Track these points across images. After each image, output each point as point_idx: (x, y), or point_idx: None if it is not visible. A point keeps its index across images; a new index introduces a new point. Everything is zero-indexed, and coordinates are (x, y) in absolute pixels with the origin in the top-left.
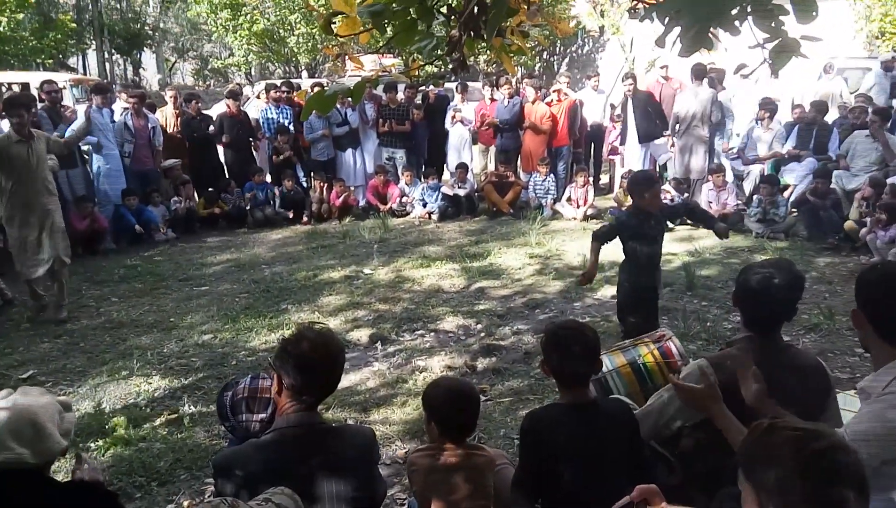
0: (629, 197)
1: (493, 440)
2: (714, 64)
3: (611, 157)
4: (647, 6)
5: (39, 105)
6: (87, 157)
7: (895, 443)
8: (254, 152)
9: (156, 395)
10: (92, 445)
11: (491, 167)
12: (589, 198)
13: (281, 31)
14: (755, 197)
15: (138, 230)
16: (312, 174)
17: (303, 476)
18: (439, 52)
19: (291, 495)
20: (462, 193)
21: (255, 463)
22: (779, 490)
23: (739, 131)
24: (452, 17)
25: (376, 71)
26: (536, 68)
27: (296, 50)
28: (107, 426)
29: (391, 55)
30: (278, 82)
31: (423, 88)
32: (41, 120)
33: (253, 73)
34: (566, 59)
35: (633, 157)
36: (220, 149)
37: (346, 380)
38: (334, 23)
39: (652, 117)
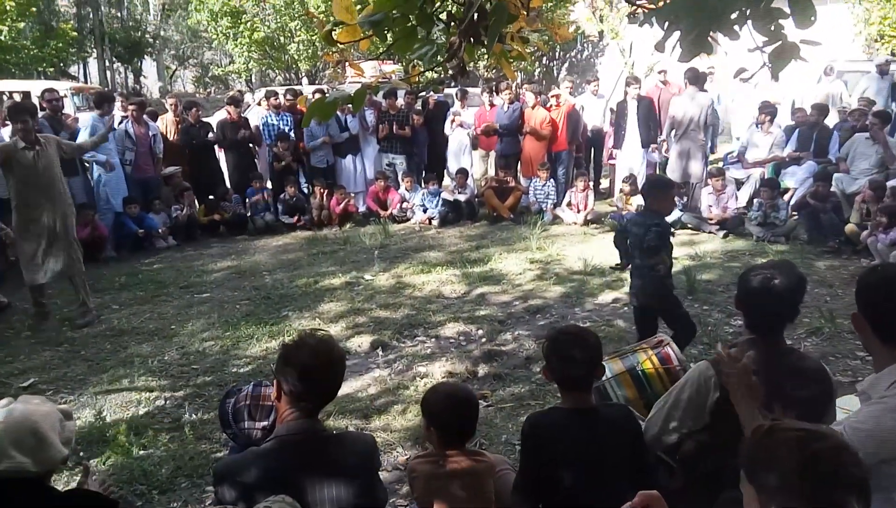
0: (643, 199)
1: (494, 446)
2: (713, 68)
3: (611, 162)
4: (646, 11)
5: (40, 113)
6: (87, 165)
7: (892, 444)
8: (255, 159)
9: (157, 403)
10: (93, 456)
11: (491, 173)
12: (589, 203)
13: (281, 38)
14: (756, 200)
15: (140, 235)
16: (313, 181)
17: (303, 484)
18: (439, 58)
19: (292, 503)
20: (462, 198)
21: (255, 471)
22: (780, 491)
23: (739, 135)
24: (452, 24)
25: (377, 77)
26: (536, 73)
27: (296, 57)
28: (107, 435)
29: (391, 61)
30: (279, 89)
31: (423, 94)
32: (42, 128)
33: (253, 80)
34: (566, 65)
35: (633, 160)
36: (221, 156)
37: (347, 387)
38: (335, 31)
39: (652, 122)
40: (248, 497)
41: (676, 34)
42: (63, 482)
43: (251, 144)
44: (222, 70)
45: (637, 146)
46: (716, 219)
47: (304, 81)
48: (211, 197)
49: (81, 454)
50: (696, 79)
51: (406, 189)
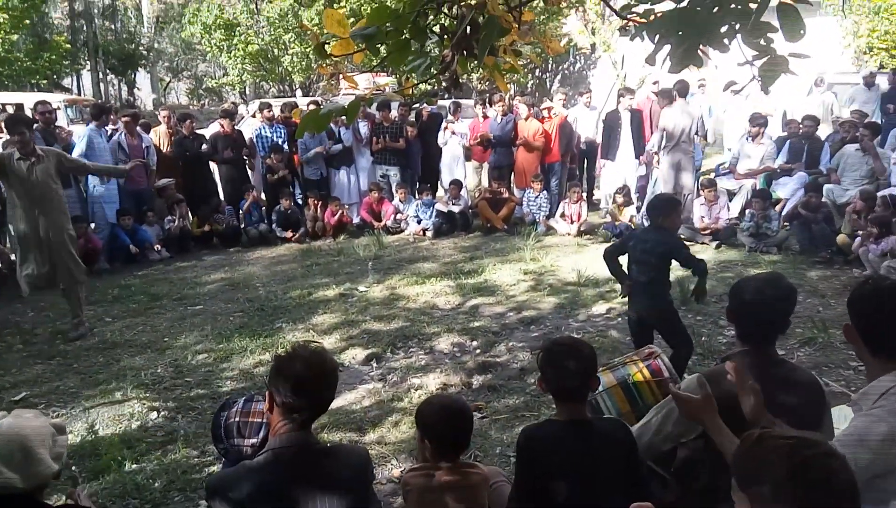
0: (650, 217)
1: (489, 458)
2: (704, 81)
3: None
4: (637, 24)
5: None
6: (80, 177)
7: (884, 455)
8: (248, 171)
9: (149, 416)
10: (86, 470)
11: (485, 184)
12: (582, 214)
13: (275, 50)
14: (748, 211)
15: (133, 250)
16: (307, 193)
17: (297, 498)
18: (432, 70)
19: None
20: (456, 209)
21: (248, 485)
22: (772, 499)
23: (731, 146)
24: (445, 37)
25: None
26: (529, 86)
27: (290, 69)
28: (100, 449)
29: (385, 74)
30: (273, 101)
31: (416, 106)
32: (36, 141)
33: (247, 92)
34: (558, 77)
35: (626, 171)
36: (214, 168)
37: (341, 399)
38: (328, 43)
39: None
40: None
41: (667, 47)
42: (56, 497)
43: (245, 158)
44: (216, 82)
45: (630, 157)
46: (708, 230)
47: (299, 92)
48: (204, 208)
49: (74, 468)
50: (680, 90)
51: (400, 201)
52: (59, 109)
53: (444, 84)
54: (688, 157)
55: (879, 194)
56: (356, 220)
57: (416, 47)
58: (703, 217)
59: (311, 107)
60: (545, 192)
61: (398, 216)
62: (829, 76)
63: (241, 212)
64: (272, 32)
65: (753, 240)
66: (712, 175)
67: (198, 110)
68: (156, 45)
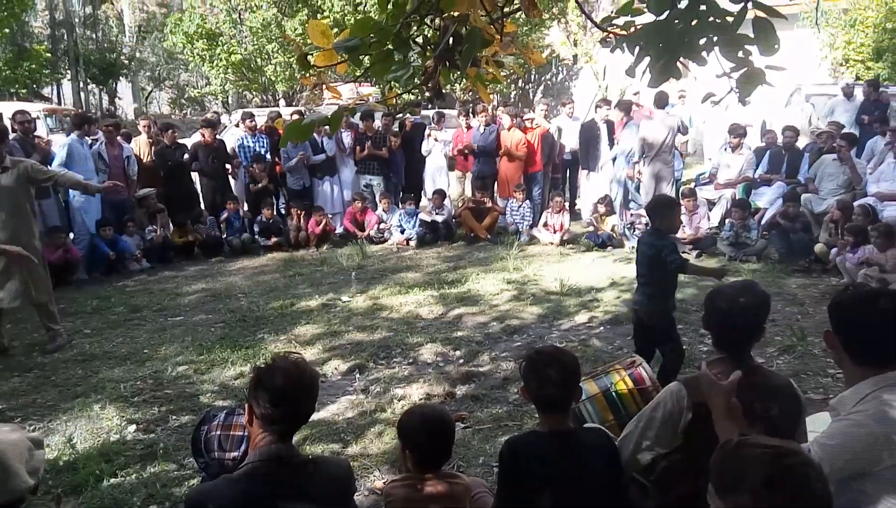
0: (650, 219)
1: (471, 468)
2: (685, 92)
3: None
4: (618, 37)
5: (11, 135)
6: (60, 187)
7: (860, 459)
8: (230, 181)
9: (128, 429)
10: (63, 485)
11: (468, 193)
12: (565, 223)
13: (258, 60)
14: (727, 221)
15: (112, 257)
16: (290, 203)
17: None
18: (415, 81)
19: None
20: (440, 219)
21: (228, 499)
22: (750, 503)
23: (711, 156)
24: (428, 48)
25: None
26: (512, 96)
27: (273, 79)
28: (78, 462)
29: (368, 84)
30: (256, 111)
31: (399, 116)
32: (14, 150)
33: (230, 101)
34: (541, 87)
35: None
36: (196, 177)
37: (324, 411)
38: (311, 55)
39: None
40: None
41: (647, 59)
42: None
43: (228, 167)
44: (198, 92)
45: (610, 167)
46: (688, 239)
47: (282, 102)
48: (186, 218)
49: (50, 482)
50: (659, 101)
51: (383, 210)
52: (38, 118)
53: (427, 94)
54: (668, 167)
55: (856, 203)
56: (339, 230)
57: (399, 58)
58: (683, 227)
59: (295, 117)
60: (528, 201)
61: (381, 226)
62: (807, 88)
63: (222, 222)
64: (255, 42)
65: (733, 249)
66: (693, 185)
67: (180, 120)
68: (137, 55)
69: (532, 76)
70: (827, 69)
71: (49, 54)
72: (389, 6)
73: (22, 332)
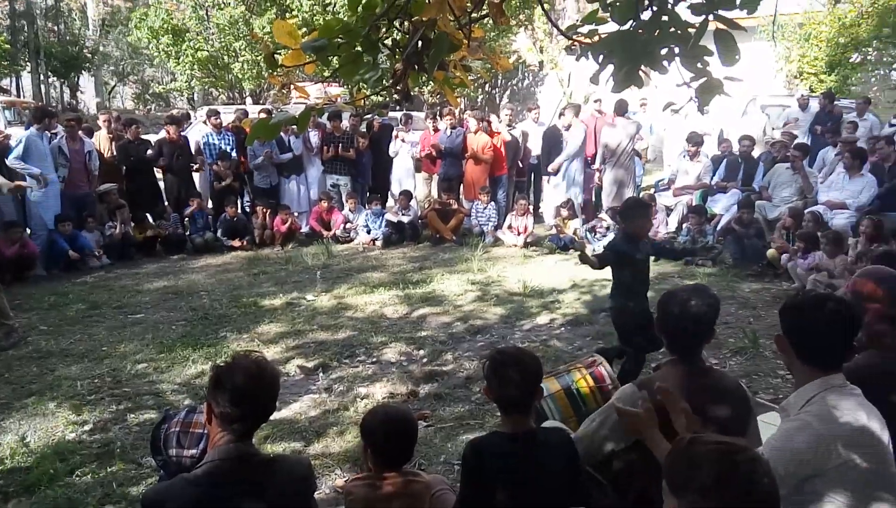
0: (622, 223)
1: (433, 466)
2: (646, 100)
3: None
4: (582, 45)
5: None
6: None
7: (810, 460)
8: (193, 177)
9: (85, 427)
10: (16, 485)
11: (434, 195)
12: (529, 226)
13: (225, 57)
14: (684, 226)
15: (73, 256)
16: (255, 201)
17: None
18: (384, 83)
19: None
20: (406, 220)
21: (186, 499)
22: (701, 500)
23: (671, 163)
24: (397, 51)
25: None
26: (479, 100)
27: (240, 76)
28: (32, 461)
29: (337, 84)
30: (222, 108)
31: (367, 116)
32: None
33: (196, 98)
34: (507, 92)
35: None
36: (159, 174)
37: (287, 410)
38: (279, 54)
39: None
40: None
41: (610, 67)
42: None
43: (193, 165)
44: (163, 88)
45: (571, 172)
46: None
47: (249, 100)
48: (148, 215)
49: (1, 481)
50: (619, 108)
51: (350, 210)
52: None
53: (395, 96)
54: (629, 173)
55: (807, 211)
56: (305, 229)
57: (368, 60)
58: None
59: (262, 115)
60: (493, 204)
61: (347, 226)
62: (763, 98)
63: (185, 219)
64: (222, 39)
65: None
66: (652, 191)
67: (144, 116)
68: (101, 49)
69: (499, 81)
70: (782, 81)
71: (8, 46)
72: (359, 8)
73: None
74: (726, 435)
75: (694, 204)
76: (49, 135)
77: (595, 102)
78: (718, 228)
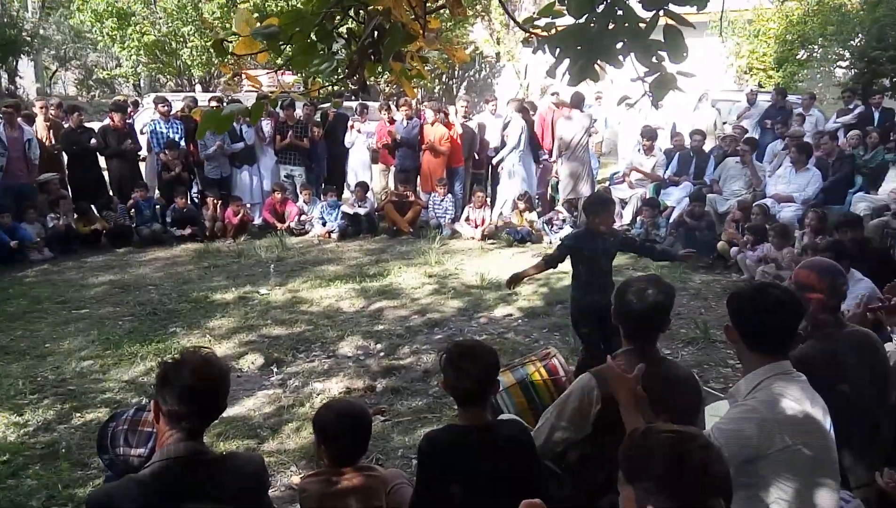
0: (586, 217)
1: (390, 461)
2: (601, 94)
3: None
4: (539, 38)
5: None
6: None
7: (754, 443)
8: (140, 167)
9: (27, 428)
10: None
11: (391, 187)
12: (486, 218)
13: (173, 43)
14: (638, 218)
15: (13, 246)
16: (205, 192)
17: None
18: (340, 73)
19: None
20: (362, 212)
21: (133, 499)
22: (655, 488)
23: (625, 156)
24: (353, 41)
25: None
26: (436, 91)
27: (189, 63)
28: None
29: (290, 73)
30: (170, 95)
31: (322, 106)
32: None
33: (142, 84)
34: (464, 83)
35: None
36: (103, 163)
37: (240, 406)
38: (230, 42)
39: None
40: None
41: (566, 61)
42: None
43: (141, 153)
44: (108, 73)
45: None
46: None
47: (198, 87)
48: (92, 206)
49: None
50: (575, 101)
51: (304, 202)
52: None
53: (351, 87)
54: (584, 166)
55: (755, 203)
56: (258, 221)
57: (322, 50)
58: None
59: (212, 103)
60: (450, 196)
61: (302, 218)
62: (714, 93)
63: (130, 208)
64: (170, 24)
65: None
66: (607, 184)
67: (87, 103)
68: (41, 32)
69: (456, 72)
70: (732, 76)
71: None
72: None
73: None
74: (679, 423)
75: (648, 197)
76: None
77: (552, 95)
78: (671, 220)
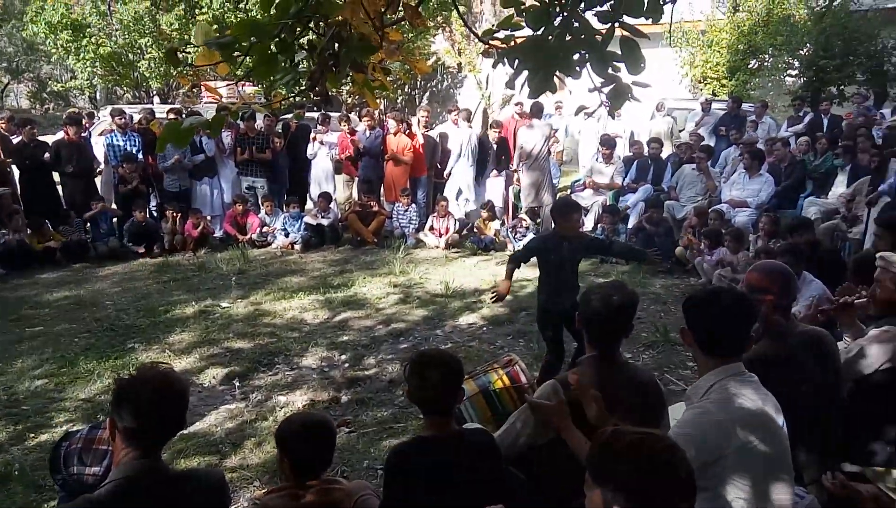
0: (553, 222)
1: (356, 472)
2: (561, 103)
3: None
4: (499, 50)
5: None
6: None
7: (710, 445)
8: (95, 182)
9: None
10: None
11: (355, 197)
12: (450, 227)
13: (130, 54)
14: (599, 225)
15: None
16: (164, 205)
17: None
18: (301, 84)
19: None
20: (325, 222)
21: None
22: (621, 491)
23: (585, 164)
24: (313, 53)
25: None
26: (399, 102)
27: (147, 74)
28: None
29: (251, 84)
30: (126, 108)
31: (284, 117)
32: None
33: (98, 97)
34: (427, 94)
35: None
36: (57, 177)
37: (201, 422)
38: (187, 52)
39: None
40: None
41: (525, 73)
42: None
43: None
44: (62, 86)
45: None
46: None
47: (156, 99)
48: (46, 221)
49: None
50: (534, 111)
51: (266, 213)
52: None
53: (313, 98)
54: (545, 174)
55: (711, 209)
56: (219, 233)
57: (284, 61)
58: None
59: (170, 116)
60: (414, 205)
61: (264, 229)
62: (669, 102)
63: (86, 223)
64: (126, 36)
65: None
66: (568, 191)
67: (41, 116)
68: None
69: (418, 83)
70: (687, 85)
71: None
72: (272, 9)
73: None
74: (642, 425)
75: (608, 204)
76: None
77: (516, 105)
78: (629, 225)
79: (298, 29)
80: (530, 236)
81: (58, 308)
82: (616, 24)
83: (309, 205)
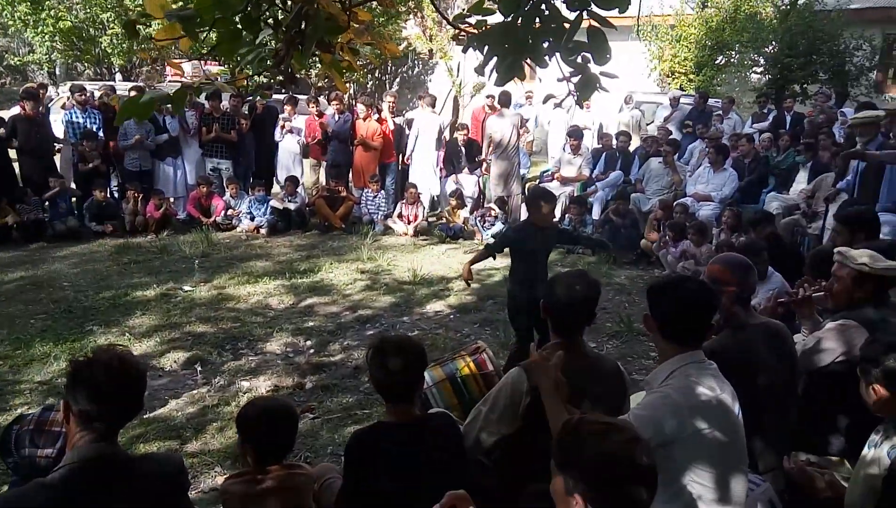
0: (527, 211)
1: (319, 458)
2: (531, 93)
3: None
4: (468, 35)
5: None
6: None
7: (667, 428)
8: (55, 159)
9: None
10: None
11: (322, 182)
12: (419, 214)
13: (91, 29)
14: (567, 216)
15: None
16: (126, 185)
17: None
18: (267, 63)
19: None
20: (292, 207)
21: (41, 504)
22: (584, 477)
23: (554, 155)
24: (281, 30)
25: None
26: (369, 86)
27: (109, 51)
28: None
29: (216, 62)
30: (87, 84)
31: (250, 98)
32: None
33: (58, 72)
34: (397, 79)
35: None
36: (13, 154)
37: (162, 407)
38: (147, 25)
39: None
40: None
41: (494, 59)
42: None
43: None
44: (20, 60)
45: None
46: None
47: (118, 76)
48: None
49: None
50: (503, 100)
51: (231, 196)
52: None
53: (279, 78)
54: (513, 164)
55: (676, 202)
56: (182, 215)
57: (248, 38)
58: None
59: (132, 93)
60: (383, 191)
61: (229, 212)
62: (638, 95)
63: (45, 203)
64: (87, 10)
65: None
66: (538, 182)
67: None
68: None
69: (389, 68)
70: (655, 79)
71: None
72: None
73: None
74: (606, 412)
75: (575, 195)
76: None
77: (487, 97)
78: (594, 215)
79: (264, 4)
80: (499, 225)
81: (13, 289)
82: (584, 14)
83: (276, 189)
